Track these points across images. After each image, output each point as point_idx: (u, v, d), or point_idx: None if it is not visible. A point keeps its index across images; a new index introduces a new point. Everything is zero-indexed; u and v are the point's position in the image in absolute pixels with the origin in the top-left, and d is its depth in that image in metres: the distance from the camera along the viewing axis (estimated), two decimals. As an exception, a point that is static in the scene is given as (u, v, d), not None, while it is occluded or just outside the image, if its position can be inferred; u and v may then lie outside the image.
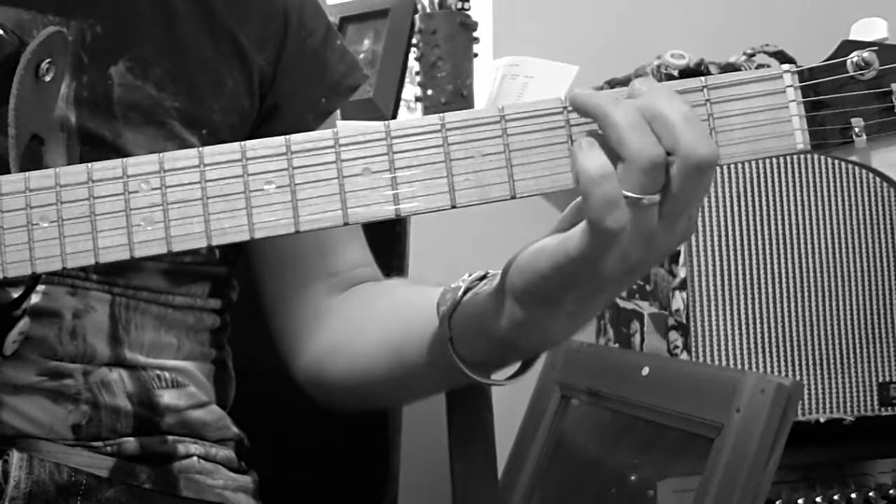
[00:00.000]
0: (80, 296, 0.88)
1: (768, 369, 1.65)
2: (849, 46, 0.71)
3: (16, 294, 0.77)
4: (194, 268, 0.96)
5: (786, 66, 0.71)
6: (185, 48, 0.93)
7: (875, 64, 0.70)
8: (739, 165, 1.66)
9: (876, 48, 0.70)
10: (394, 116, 1.79)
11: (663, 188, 0.68)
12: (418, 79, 1.86)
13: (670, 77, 1.66)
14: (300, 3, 1.01)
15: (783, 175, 1.69)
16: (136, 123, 0.89)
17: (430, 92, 1.83)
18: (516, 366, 0.82)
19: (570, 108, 0.70)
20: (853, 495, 1.62)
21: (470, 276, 0.83)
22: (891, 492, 1.64)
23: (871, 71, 0.70)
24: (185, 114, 0.92)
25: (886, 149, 0.71)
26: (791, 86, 0.71)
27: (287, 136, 0.71)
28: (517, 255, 0.74)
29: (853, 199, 1.72)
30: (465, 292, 0.81)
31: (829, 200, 1.71)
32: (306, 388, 1.01)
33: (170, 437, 0.93)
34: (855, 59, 0.70)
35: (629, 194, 0.67)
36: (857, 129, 0.70)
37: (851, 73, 0.71)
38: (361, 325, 0.96)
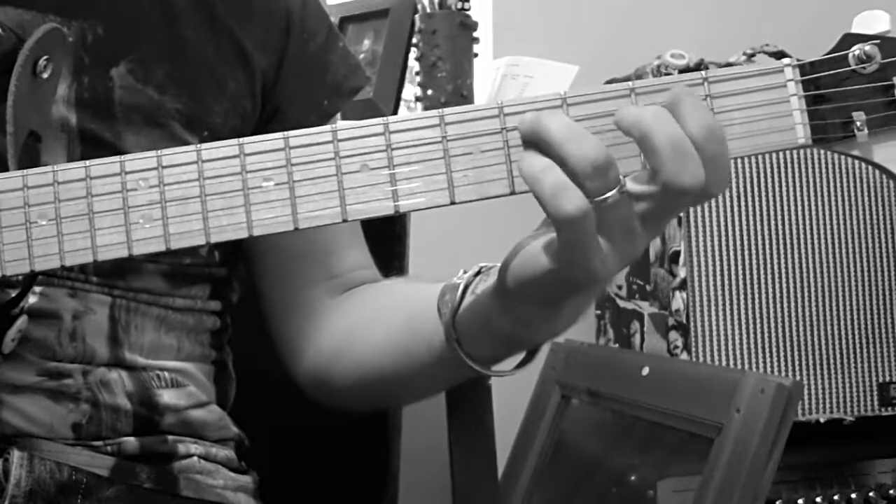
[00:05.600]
0: (80, 297, 0.88)
1: (768, 369, 1.65)
2: (851, 39, 0.70)
3: (14, 293, 0.77)
4: (195, 269, 0.95)
5: (787, 60, 0.71)
6: (186, 50, 0.93)
7: (877, 57, 0.70)
8: (739, 165, 1.66)
9: (878, 41, 0.70)
10: (393, 116, 1.79)
11: (647, 197, 0.68)
12: (418, 79, 1.86)
13: (670, 77, 1.66)
14: (302, 5, 1.01)
15: (783, 174, 1.69)
16: (137, 125, 0.89)
17: (430, 92, 1.83)
18: (522, 353, 0.82)
19: (569, 102, 0.70)
20: (853, 495, 1.62)
21: (465, 273, 0.83)
22: (891, 492, 1.64)
23: (872, 64, 0.70)
24: (186, 116, 0.92)
25: (888, 143, 0.70)
26: (792, 80, 0.70)
27: (285, 133, 0.70)
28: (511, 257, 0.74)
29: (853, 199, 1.72)
30: (463, 291, 0.81)
31: (829, 200, 1.71)
32: (309, 391, 1.01)
33: (170, 437, 0.93)
34: (857, 53, 0.70)
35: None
36: (858, 123, 0.70)
37: (853, 67, 0.70)
38: (364, 327, 0.96)
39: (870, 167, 0.73)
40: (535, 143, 0.68)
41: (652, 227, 0.70)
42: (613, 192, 0.67)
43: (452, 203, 0.69)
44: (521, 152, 0.69)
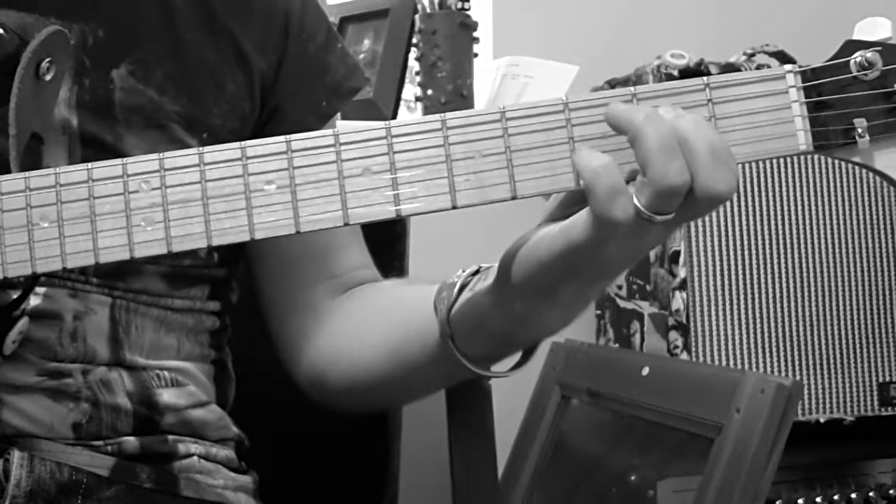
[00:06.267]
0: (81, 298, 0.88)
1: (768, 369, 1.65)
2: (852, 46, 0.70)
3: (15, 295, 0.77)
4: (194, 271, 0.96)
5: (788, 67, 0.71)
6: (186, 52, 0.93)
7: (878, 64, 0.70)
8: (740, 166, 1.65)
9: (879, 48, 0.70)
10: (394, 116, 1.79)
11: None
12: (418, 79, 1.86)
13: (670, 77, 1.66)
14: (301, 6, 1.01)
15: (783, 175, 1.69)
16: (137, 127, 0.89)
17: (430, 92, 1.83)
18: (518, 356, 0.82)
19: (571, 107, 0.70)
20: (853, 495, 1.62)
21: (464, 271, 0.83)
22: (891, 492, 1.64)
23: (874, 71, 0.70)
24: (186, 117, 0.92)
25: (889, 150, 0.70)
26: (794, 86, 0.70)
27: (287, 136, 0.70)
28: (513, 247, 0.74)
29: (853, 199, 1.72)
30: (460, 289, 0.81)
31: (829, 200, 1.71)
32: (308, 391, 1.01)
33: (170, 437, 0.93)
34: (858, 59, 0.70)
35: (643, 210, 0.66)
36: (860, 130, 0.70)
37: (855, 74, 0.70)
38: (361, 328, 0.96)
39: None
40: (622, 133, 0.68)
41: (670, 231, 0.70)
42: (670, 216, 0.67)
43: (454, 207, 0.70)
44: (526, 156, 0.69)
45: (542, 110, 0.70)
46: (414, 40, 1.84)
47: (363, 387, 0.95)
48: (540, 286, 0.73)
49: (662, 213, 0.67)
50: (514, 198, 0.70)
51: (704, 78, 0.70)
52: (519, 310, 0.75)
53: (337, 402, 0.99)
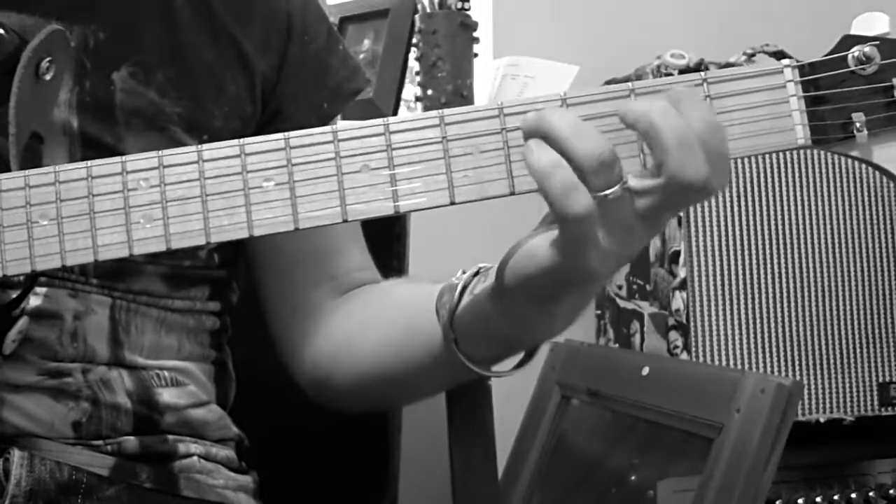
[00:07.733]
0: (81, 298, 0.88)
1: (768, 369, 1.65)
2: (850, 41, 0.71)
3: (15, 294, 0.77)
4: (194, 272, 0.96)
5: (786, 61, 0.71)
6: (187, 54, 0.93)
7: (876, 58, 0.70)
8: (739, 165, 1.66)
9: (877, 43, 0.70)
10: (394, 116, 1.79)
11: (648, 193, 0.68)
12: (418, 79, 1.86)
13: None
14: (303, 7, 1.01)
15: (783, 174, 1.69)
16: (138, 129, 0.89)
17: (430, 92, 1.83)
18: (521, 354, 0.83)
19: (569, 103, 0.70)
20: (853, 495, 1.62)
21: (464, 273, 0.83)
22: (891, 492, 1.64)
23: (872, 66, 0.70)
24: (186, 119, 0.92)
25: (888, 143, 0.71)
26: (791, 81, 0.71)
27: (286, 133, 0.70)
28: (509, 255, 0.74)
29: (853, 198, 1.72)
30: (461, 292, 0.81)
31: (829, 200, 1.71)
32: (310, 392, 1.01)
33: (170, 437, 0.93)
34: (856, 54, 0.70)
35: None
36: (858, 124, 0.70)
37: (852, 68, 0.70)
38: (362, 329, 0.96)
39: (869, 167, 0.73)
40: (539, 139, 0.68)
41: (651, 225, 0.70)
42: (616, 188, 0.67)
43: (452, 203, 0.70)
44: (523, 149, 0.69)
45: (540, 106, 0.70)
46: (414, 40, 1.84)
47: (367, 386, 0.95)
48: (535, 296, 0.74)
49: (608, 188, 0.67)
50: (512, 193, 0.70)
51: (702, 73, 0.70)
52: (520, 316, 0.76)
53: (340, 403, 0.99)
